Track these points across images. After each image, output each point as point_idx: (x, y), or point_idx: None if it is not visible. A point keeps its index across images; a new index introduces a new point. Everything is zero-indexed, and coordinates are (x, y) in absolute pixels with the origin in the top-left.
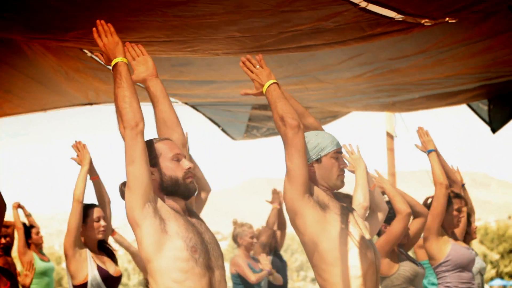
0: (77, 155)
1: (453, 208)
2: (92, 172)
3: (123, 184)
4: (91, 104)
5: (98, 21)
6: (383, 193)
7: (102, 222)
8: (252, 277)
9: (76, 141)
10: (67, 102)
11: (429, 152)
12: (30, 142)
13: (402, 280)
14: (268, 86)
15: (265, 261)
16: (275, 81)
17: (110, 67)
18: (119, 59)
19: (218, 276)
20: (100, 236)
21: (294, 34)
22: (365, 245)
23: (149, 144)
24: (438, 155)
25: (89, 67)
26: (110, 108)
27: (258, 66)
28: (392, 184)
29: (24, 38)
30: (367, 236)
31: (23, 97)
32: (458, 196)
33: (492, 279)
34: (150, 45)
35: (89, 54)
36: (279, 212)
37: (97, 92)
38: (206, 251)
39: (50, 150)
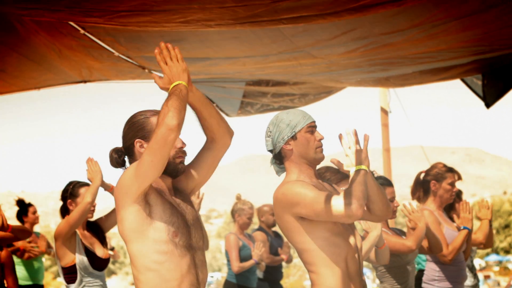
0: (88, 172)
1: (447, 183)
2: (105, 186)
3: (114, 151)
4: (84, 82)
5: (163, 44)
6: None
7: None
8: (235, 267)
9: (88, 158)
10: (61, 80)
11: (463, 229)
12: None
13: (393, 259)
14: (175, 85)
15: (256, 251)
16: (183, 82)
17: (167, 90)
18: (182, 82)
19: (199, 256)
20: (89, 216)
21: (287, 3)
22: (346, 231)
23: (144, 117)
24: (469, 236)
25: (82, 45)
26: (104, 86)
27: (174, 60)
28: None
29: (16, 11)
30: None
31: (17, 76)
32: (451, 170)
33: (487, 254)
34: (143, 15)
35: (82, 31)
36: None
37: (91, 70)
38: (188, 233)
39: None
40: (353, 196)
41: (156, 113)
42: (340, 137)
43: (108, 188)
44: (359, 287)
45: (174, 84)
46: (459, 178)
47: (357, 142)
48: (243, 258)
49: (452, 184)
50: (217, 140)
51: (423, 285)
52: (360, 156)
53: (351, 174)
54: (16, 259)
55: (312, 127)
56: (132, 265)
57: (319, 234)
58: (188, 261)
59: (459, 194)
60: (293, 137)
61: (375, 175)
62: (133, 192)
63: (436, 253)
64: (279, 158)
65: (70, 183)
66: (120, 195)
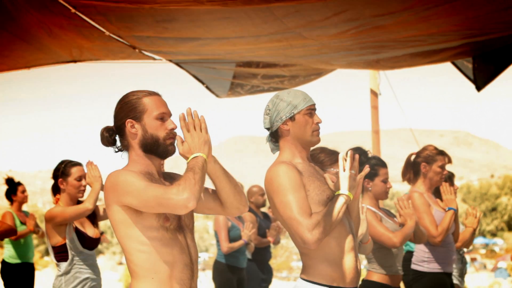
0: (88, 176)
1: (437, 165)
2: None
3: (105, 130)
4: (74, 61)
5: (189, 110)
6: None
7: (83, 182)
8: (224, 247)
9: (88, 161)
10: (51, 60)
11: (448, 210)
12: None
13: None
14: (194, 157)
15: (246, 231)
16: (204, 155)
17: (186, 158)
18: (203, 155)
19: (189, 235)
20: (80, 195)
21: None
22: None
23: (137, 98)
24: (456, 216)
25: (73, 24)
26: (94, 66)
27: (197, 129)
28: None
29: None
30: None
31: (7, 55)
32: (441, 153)
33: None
34: None
35: (72, 10)
36: None
37: (81, 50)
38: (178, 216)
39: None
40: (320, 223)
41: (149, 93)
42: (344, 158)
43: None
44: (353, 261)
45: (193, 155)
46: (450, 161)
47: (352, 167)
48: (232, 238)
49: (442, 167)
50: (225, 208)
51: (412, 266)
52: (351, 182)
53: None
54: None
55: (311, 110)
56: (123, 250)
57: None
58: (179, 243)
59: (451, 177)
60: (292, 118)
61: (369, 155)
62: (132, 205)
63: (419, 243)
64: (275, 137)
65: (62, 162)
66: (111, 193)
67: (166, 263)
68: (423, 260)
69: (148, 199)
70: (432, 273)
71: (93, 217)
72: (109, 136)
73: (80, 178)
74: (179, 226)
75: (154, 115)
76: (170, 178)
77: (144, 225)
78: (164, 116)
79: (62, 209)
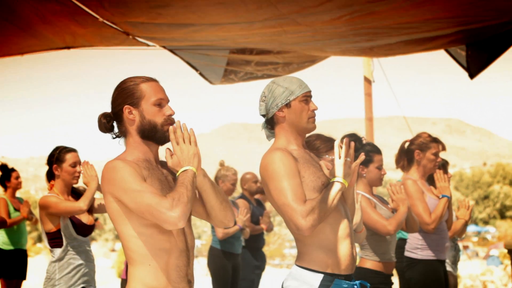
0: (84, 176)
1: (431, 153)
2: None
3: (103, 116)
4: (68, 48)
5: (179, 122)
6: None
7: (78, 168)
8: (219, 233)
9: (84, 161)
10: (44, 46)
11: (442, 197)
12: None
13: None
14: (184, 171)
15: (240, 217)
16: (193, 168)
17: (177, 172)
18: (192, 168)
19: (186, 222)
20: (74, 182)
21: None
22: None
23: (134, 84)
24: (449, 204)
25: (66, 10)
26: (87, 52)
27: (187, 142)
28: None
29: None
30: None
31: (0, 41)
32: (435, 140)
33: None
34: None
35: None
36: None
37: (74, 36)
38: None
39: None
40: (314, 209)
41: (146, 79)
42: (339, 146)
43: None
44: (348, 248)
45: (183, 169)
46: (443, 148)
47: (348, 155)
48: None
49: (436, 154)
50: (209, 219)
51: (405, 253)
52: (346, 170)
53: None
54: None
55: (307, 97)
56: (120, 236)
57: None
58: (176, 230)
59: (444, 165)
60: (287, 105)
61: (364, 142)
62: (116, 196)
63: (412, 232)
64: (270, 123)
65: (57, 148)
66: (107, 184)
67: (163, 250)
68: (417, 248)
69: (141, 205)
70: (425, 260)
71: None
72: (106, 122)
73: (74, 164)
74: None
75: (152, 101)
76: (169, 169)
77: (140, 217)
78: (161, 102)
79: (56, 201)
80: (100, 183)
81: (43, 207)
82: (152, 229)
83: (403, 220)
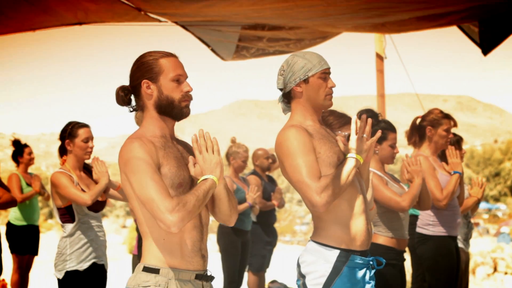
0: (94, 172)
1: (442, 129)
2: (112, 185)
3: (121, 89)
4: (80, 24)
5: (202, 132)
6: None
7: (90, 144)
8: None
9: (94, 158)
10: (56, 22)
11: (454, 173)
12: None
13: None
14: (204, 179)
15: (251, 194)
16: (215, 178)
17: (198, 180)
18: (214, 178)
19: None
20: (86, 157)
21: None
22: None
23: (153, 58)
24: (461, 180)
25: None
26: (99, 28)
27: (209, 151)
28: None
29: None
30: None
31: (12, 17)
32: (447, 116)
33: None
34: None
35: None
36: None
37: (86, 12)
38: (190, 180)
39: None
40: (328, 186)
41: (166, 55)
42: (356, 121)
43: (115, 187)
44: (364, 224)
45: (204, 177)
46: (455, 125)
47: (364, 131)
48: (237, 201)
49: (448, 131)
50: (213, 214)
51: (417, 229)
52: (361, 146)
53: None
54: None
55: (326, 74)
56: (134, 211)
57: (322, 173)
58: None
59: (459, 141)
60: (305, 80)
61: (380, 118)
62: (127, 176)
63: (424, 209)
64: (287, 98)
65: (69, 124)
66: (123, 164)
67: None
68: (428, 224)
69: (144, 196)
70: (437, 236)
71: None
72: (124, 96)
73: (87, 140)
74: (191, 189)
75: (171, 77)
76: (184, 146)
77: None
78: (180, 78)
79: (66, 185)
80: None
81: (54, 185)
82: None
83: (417, 194)
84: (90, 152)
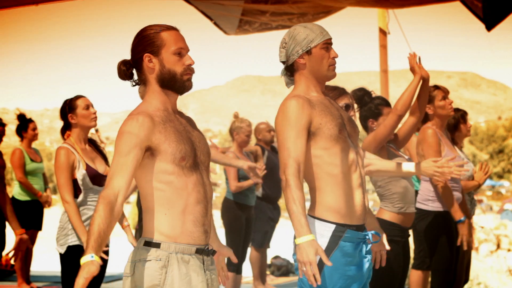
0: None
1: (438, 100)
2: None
3: (123, 63)
4: None
5: None
6: None
7: (92, 109)
8: (232, 186)
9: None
10: None
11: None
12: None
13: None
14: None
15: (255, 174)
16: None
17: None
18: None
19: (204, 172)
20: (93, 124)
21: None
22: (346, 146)
23: (155, 32)
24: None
25: None
26: (102, 1)
27: None
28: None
29: None
30: (353, 139)
31: None
32: (436, 87)
33: None
34: None
35: None
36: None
37: None
38: (194, 155)
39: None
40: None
41: (167, 28)
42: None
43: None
44: (361, 198)
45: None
46: (447, 91)
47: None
48: (242, 177)
49: (444, 98)
50: None
51: (417, 205)
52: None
53: None
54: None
55: (328, 44)
56: (139, 187)
57: (321, 145)
58: (194, 179)
59: (464, 115)
60: (308, 52)
61: (373, 95)
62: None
63: (416, 118)
64: (290, 70)
65: (65, 100)
66: (116, 139)
67: (180, 198)
68: (428, 199)
69: (111, 165)
70: (437, 211)
71: (102, 153)
72: (126, 70)
73: (87, 107)
74: (194, 163)
75: (172, 50)
76: (187, 120)
77: (160, 166)
78: (181, 52)
79: (60, 173)
80: None
81: (55, 160)
82: (171, 178)
83: (408, 95)
84: (95, 118)
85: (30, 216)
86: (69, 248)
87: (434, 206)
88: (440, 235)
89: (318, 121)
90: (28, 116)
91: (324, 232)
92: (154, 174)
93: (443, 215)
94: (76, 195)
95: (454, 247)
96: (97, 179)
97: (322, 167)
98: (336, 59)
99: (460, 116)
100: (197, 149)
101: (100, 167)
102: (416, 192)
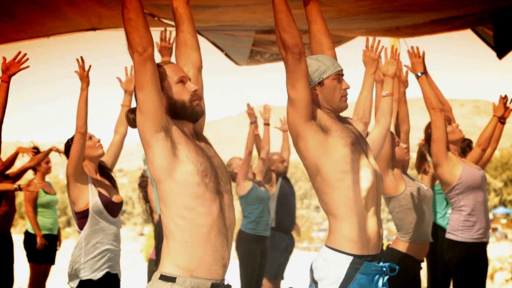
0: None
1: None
2: (125, 101)
3: (130, 111)
4: (94, 29)
5: None
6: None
7: (95, 138)
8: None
9: (80, 57)
10: (70, 28)
11: (418, 76)
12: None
13: (409, 200)
14: None
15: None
16: None
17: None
18: None
19: (227, 201)
20: (100, 152)
21: None
22: (366, 167)
23: None
24: (428, 78)
25: None
26: (114, 33)
27: None
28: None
29: None
30: (371, 159)
31: (26, 22)
32: None
33: (495, 207)
34: None
35: None
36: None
37: (100, 18)
38: (215, 176)
39: (53, 77)
40: (285, 39)
41: (163, 63)
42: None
43: (127, 103)
44: (375, 229)
45: None
46: (450, 117)
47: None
48: (255, 198)
49: (449, 122)
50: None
51: (446, 235)
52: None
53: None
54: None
55: (339, 75)
56: (164, 209)
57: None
58: (217, 206)
59: (469, 144)
60: (320, 83)
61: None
62: (150, 130)
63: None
64: None
65: (68, 140)
66: (143, 139)
67: (203, 226)
68: (458, 229)
69: None
70: (467, 242)
71: (114, 181)
72: (135, 116)
73: (89, 137)
74: (217, 188)
75: (175, 80)
76: (205, 141)
77: (185, 178)
78: (184, 79)
79: (69, 159)
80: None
81: (68, 176)
82: (197, 201)
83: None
84: (100, 146)
85: (43, 250)
86: (81, 282)
87: (464, 236)
88: (468, 266)
89: (333, 126)
90: (41, 149)
91: (341, 264)
92: (180, 192)
93: (472, 246)
94: (81, 227)
95: (482, 279)
96: (110, 206)
97: (342, 190)
98: (347, 90)
99: (466, 145)
100: (217, 171)
101: (112, 195)
102: (437, 225)
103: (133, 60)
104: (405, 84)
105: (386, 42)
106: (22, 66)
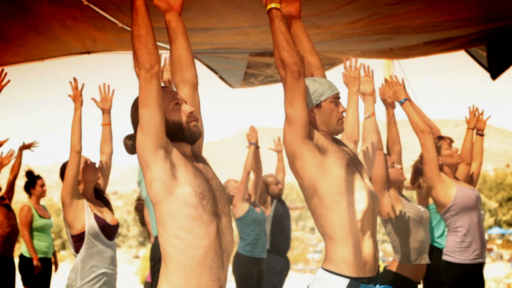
0: (72, 94)
1: (444, 149)
2: (105, 119)
3: (128, 138)
4: (88, 52)
5: None
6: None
7: (88, 161)
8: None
9: (73, 78)
10: (64, 51)
11: (402, 103)
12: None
13: (406, 222)
14: (270, 9)
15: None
16: (277, 6)
17: None
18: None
19: (225, 223)
20: (96, 177)
21: None
22: (363, 188)
23: None
24: (412, 104)
25: (85, 16)
26: (108, 56)
27: None
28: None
29: None
30: (366, 180)
31: (21, 45)
32: (441, 137)
33: (490, 227)
34: None
35: (85, 2)
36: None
37: (94, 41)
38: (213, 198)
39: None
40: (284, 58)
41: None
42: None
43: (107, 122)
44: (372, 251)
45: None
46: (451, 140)
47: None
48: (251, 220)
49: (450, 145)
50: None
51: (443, 257)
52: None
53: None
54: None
55: (336, 98)
56: (161, 231)
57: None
58: (215, 228)
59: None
60: (318, 106)
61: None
62: (150, 149)
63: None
64: None
65: (63, 164)
66: (142, 159)
67: (200, 248)
68: (455, 251)
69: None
70: (463, 264)
71: (109, 204)
72: (133, 142)
73: (85, 161)
74: (215, 211)
75: (171, 104)
76: (204, 163)
77: (183, 199)
78: (179, 102)
79: (64, 180)
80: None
81: (62, 199)
82: (194, 222)
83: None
84: (96, 170)
85: (38, 274)
86: None
87: (461, 258)
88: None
89: (329, 148)
90: (36, 172)
91: (338, 286)
92: (178, 213)
93: (469, 267)
94: (77, 250)
95: None
96: (106, 229)
97: (338, 212)
98: (343, 113)
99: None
100: (215, 193)
101: (107, 217)
102: (433, 246)
103: (139, 77)
104: (392, 105)
105: (380, 63)
106: (3, 83)
